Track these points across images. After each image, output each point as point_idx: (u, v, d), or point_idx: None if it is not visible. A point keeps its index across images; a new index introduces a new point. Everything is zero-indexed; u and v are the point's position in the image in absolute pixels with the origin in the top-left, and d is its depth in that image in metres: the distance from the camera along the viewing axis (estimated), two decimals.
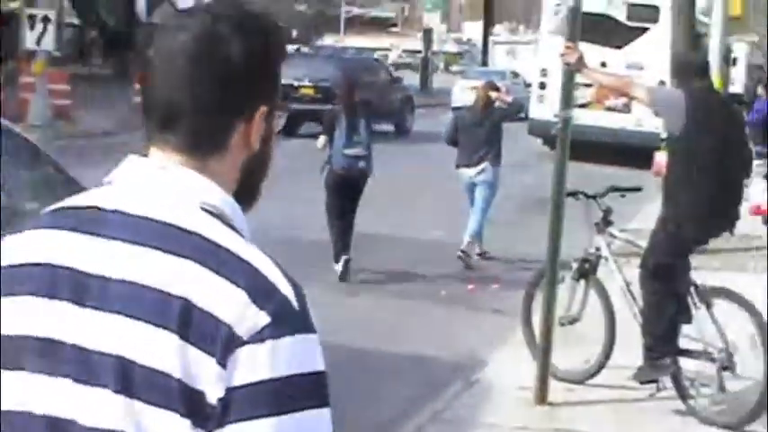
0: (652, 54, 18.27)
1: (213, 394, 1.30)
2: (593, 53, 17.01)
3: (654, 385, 5.97)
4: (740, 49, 38.23)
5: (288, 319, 1.34)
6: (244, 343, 1.31)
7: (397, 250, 10.95)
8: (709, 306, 5.85)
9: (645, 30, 19.68)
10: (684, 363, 5.97)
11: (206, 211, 1.40)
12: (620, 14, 20.06)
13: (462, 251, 10.21)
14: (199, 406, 1.30)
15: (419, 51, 44.74)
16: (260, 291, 1.33)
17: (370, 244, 11.18)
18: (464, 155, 10.45)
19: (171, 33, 1.45)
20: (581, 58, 5.82)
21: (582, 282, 6.44)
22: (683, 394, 5.93)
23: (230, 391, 1.29)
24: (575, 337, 6.42)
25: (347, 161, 9.45)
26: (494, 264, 10.53)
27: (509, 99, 11.70)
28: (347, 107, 9.77)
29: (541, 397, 5.91)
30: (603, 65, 18.13)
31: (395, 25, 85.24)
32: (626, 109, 18.60)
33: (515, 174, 17.88)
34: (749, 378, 5.82)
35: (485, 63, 47.69)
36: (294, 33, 65.90)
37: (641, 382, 6.00)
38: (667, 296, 5.87)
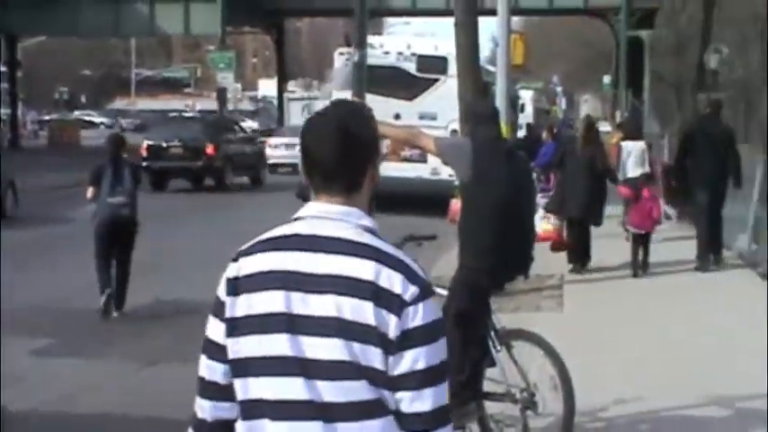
0: (443, 104, 18.73)
1: (393, 334, 2.29)
2: (386, 105, 17.44)
3: None
4: (527, 96, 39.81)
5: (426, 290, 2.36)
6: (408, 305, 2.31)
7: (194, 315, 10.69)
8: (509, 348, 5.92)
9: (435, 80, 20.17)
10: (489, 406, 6.01)
11: (364, 228, 2.40)
12: (411, 67, 20.50)
13: None
14: (386, 341, 2.29)
15: (215, 111, 44.44)
16: (410, 274, 2.34)
17: (169, 313, 10.91)
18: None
19: (317, 126, 2.45)
20: None
21: None
22: None
23: (404, 332, 2.29)
24: None
25: (111, 209, 10.37)
26: None
27: (384, 150, 12.06)
28: (113, 160, 10.52)
29: None
30: (397, 116, 18.47)
31: (188, 86, 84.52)
32: (422, 158, 18.93)
33: None
34: (551, 414, 5.91)
35: (281, 120, 47.89)
36: (83, 98, 64.49)
37: None
38: (469, 342, 5.91)
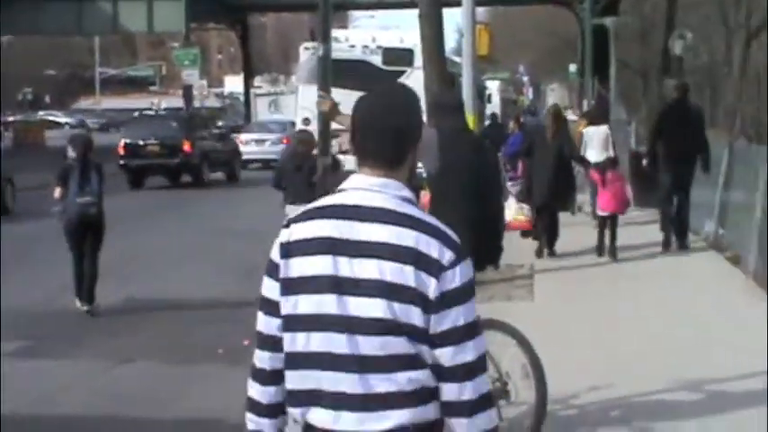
0: None
1: (433, 295, 2.53)
2: (353, 99, 17.34)
3: None
4: (494, 86, 39.90)
5: (461, 254, 2.62)
6: (446, 268, 2.56)
7: (167, 313, 10.69)
8: None
9: (401, 73, 20.19)
10: None
11: (404, 199, 2.63)
12: (377, 59, 20.51)
13: None
14: (426, 301, 2.53)
15: (181, 108, 44.25)
16: (446, 240, 2.59)
17: (143, 310, 10.89)
18: (290, 195, 11.11)
19: (366, 106, 2.71)
20: (334, 106, 5.81)
21: None
22: None
23: (442, 293, 2.54)
24: None
25: (80, 208, 10.57)
26: None
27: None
28: (81, 161, 10.71)
29: None
30: None
31: (153, 84, 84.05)
32: None
33: (276, 224, 17.87)
34: (523, 403, 5.94)
35: (248, 116, 47.72)
36: (47, 99, 63.93)
37: None
38: None
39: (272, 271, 2.69)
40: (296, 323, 2.63)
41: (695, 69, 50.09)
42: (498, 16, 56.22)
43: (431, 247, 2.56)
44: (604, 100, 29.04)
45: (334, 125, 6.02)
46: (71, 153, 10.92)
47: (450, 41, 18.54)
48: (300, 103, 21.42)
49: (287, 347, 2.67)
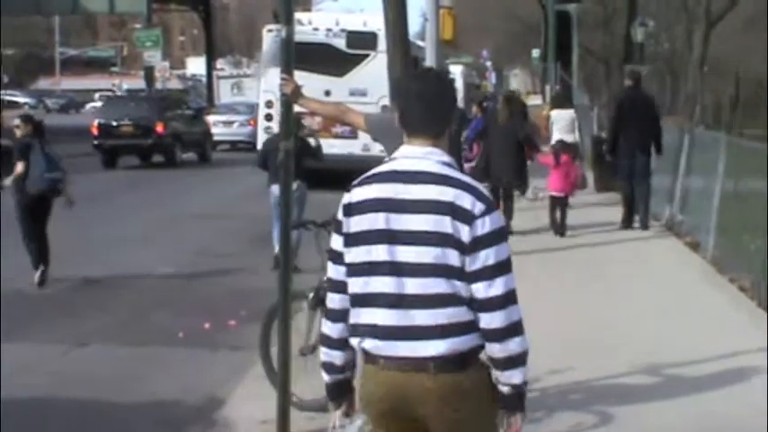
0: (373, 80, 18.68)
1: (467, 239, 3.11)
2: (316, 82, 17.33)
3: None
4: (457, 71, 39.96)
5: (490, 205, 3.18)
6: (477, 217, 3.12)
7: (124, 295, 10.60)
8: None
9: (365, 56, 20.11)
10: None
11: (443, 163, 3.23)
12: (340, 43, 20.41)
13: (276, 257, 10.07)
14: (461, 245, 3.11)
15: (143, 90, 43.88)
16: (478, 195, 3.17)
17: (98, 289, 10.81)
18: (275, 175, 10.97)
19: (412, 85, 3.35)
20: (297, 89, 5.76)
21: (318, 310, 6.37)
22: None
23: (475, 238, 3.11)
24: (317, 366, 6.33)
25: (49, 184, 10.77)
26: (227, 299, 10.32)
27: (315, 127, 13.78)
28: (39, 139, 10.92)
29: (283, 428, 5.78)
30: (328, 93, 18.38)
31: (115, 65, 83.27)
32: (352, 135, 18.88)
33: (244, 205, 17.82)
34: None
35: (210, 98, 47.41)
36: (5, 78, 63.03)
37: None
38: None
39: (338, 228, 3.32)
40: (356, 269, 3.26)
41: (656, 57, 50.41)
42: (462, 0, 56.21)
43: (464, 201, 3.15)
44: (567, 86, 29.19)
45: (297, 108, 5.94)
46: (21, 131, 10.97)
47: (413, 25, 18.55)
48: (263, 86, 21.30)
49: (350, 290, 3.29)
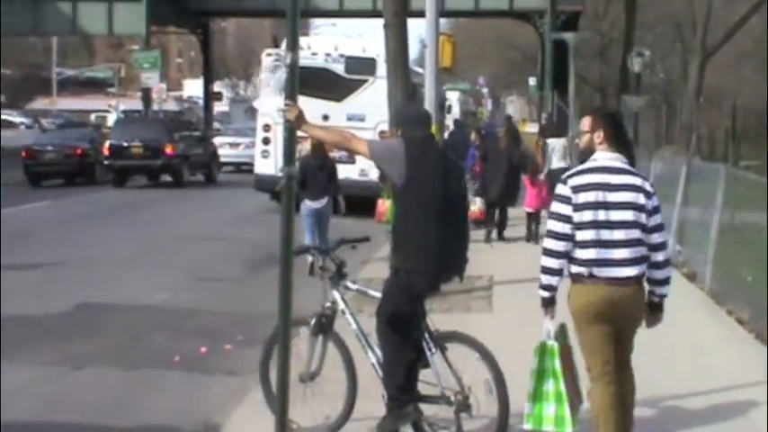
0: (371, 105, 18.71)
1: (648, 207, 5.46)
2: (315, 106, 17.35)
3: None
4: (453, 97, 40.02)
5: (653, 187, 5.60)
6: (651, 195, 5.50)
7: (121, 318, 10.54)
8: (443, 350, 5.91)
9: (363, 82, 20.15)
10: (424, 408, 5.99)
11: (626, 163, 5.54)
12: (339, 68, 20.45)
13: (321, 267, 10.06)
14: (646, 211, 5.45)
15: (139, 111, 43.86)
16: (648, 182, 5.56)
17: (94, 314, 10.75)
18: (313, 191, 12.91)
19: (611, 116, 5.92)
20: (301, 115, 5.75)
21: (320, 337, 6.33)
22: None
23: (653, 207, 5.50)
24: (317, 393, 6.32)
25: None
26: (224, 323, 10.28)
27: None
28: None
29: None
30: (326, 117, 18.42)
31: (112, 86, 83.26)
32: (350, 160, 18.89)
33: (243, 230, 17.78)
34: (485, 417, 5.92)
35: (207, 121, 47.40)
36: (2, 98, 63.01)
37: None
38: (404, 344, 5.87)
39: (566, 200, 5.37)
40: (583, 226, 5.34)
41: (652, 87, 50.54)
42: (460, 28, 56.38)
43: (645, 185, 5.46)
44: (563, 114, 29.27)
45: (299, 133, 5.92)
46: None
47: (412, 52, 18.48)
48: (261, 109, 21.32)
49: (578, 238, 5.35)
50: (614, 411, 5.43)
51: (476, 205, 16.42)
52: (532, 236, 15.99)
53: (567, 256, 5.36)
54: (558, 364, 5.50)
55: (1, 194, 21.80)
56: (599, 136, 5.50)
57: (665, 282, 5.55)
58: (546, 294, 5.47)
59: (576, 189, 5.34)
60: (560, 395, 5.50)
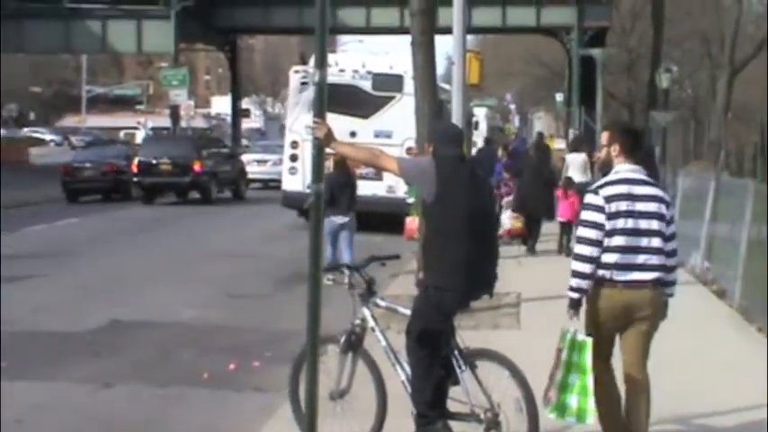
0: (398, 122, 18.75)
1: (668, 217, 5.91)
2: (342, 123, 17.39)
3: None
4: (481, 113, 40.05)
5: (670, 197, 6.26)
6: (671, 206, 6.02)
7: (151, 335, 10.58)
8: (473, 367, 5.90)
9: (390, 98, 20.19)
10: (453, 425, 5.98)
11: (648, 176, 5.99)
12: (366, 85, 20.50)
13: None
14: (667, 221, 5.90)
15: (168, 128, 44.13)
16: (665, 192, 6.10)
17: (122, 332, 10.79)
18: (339, 206, 13.21)
19: (635, 132, 6.46)
20: (330, 133, 5.77)
21: (350, 354, 6.33)
22: None
23: (671, 216, 5.95)
24: (347, 410, 6.32)
25: None
26: (253, 340, 10.31)
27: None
28: None
29: None
30: (353, 134, 18.46)
31: (140, 103, 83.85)
32: (377, 176, 18.93)
33: (272, 246, 17.84)
34: None
35: (235, 138, 47.64)
36: (32, 115, 63.59)
37: None
38: (433, 361, 5.87)
39: (599, 209, 5.72)
40: (614, 233, 5.71)
41: (680, 103, 50.33)
42: (488, 44, 56.45)
43: (666, 196, 5.88)
44: (591, 130, 29.19)
45: (327, 150, 5.94)
46: None
47: (438, 68, 18.49)
48: (289, 126, 21.41)
49: (607, 244, 5.70)
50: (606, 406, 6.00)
51: (518, 221, 17.35)
52: (563, 248, 16.25)
53: (597, 261, 5.70)
54: (587, 359, 5.78)
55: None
56: (615, 149, 5.88)
57: (673, 283, 6.02)
58: (575, 296, 5.80)
59: (609, 199, 5.72)
60: (585, 388, 5.77)
